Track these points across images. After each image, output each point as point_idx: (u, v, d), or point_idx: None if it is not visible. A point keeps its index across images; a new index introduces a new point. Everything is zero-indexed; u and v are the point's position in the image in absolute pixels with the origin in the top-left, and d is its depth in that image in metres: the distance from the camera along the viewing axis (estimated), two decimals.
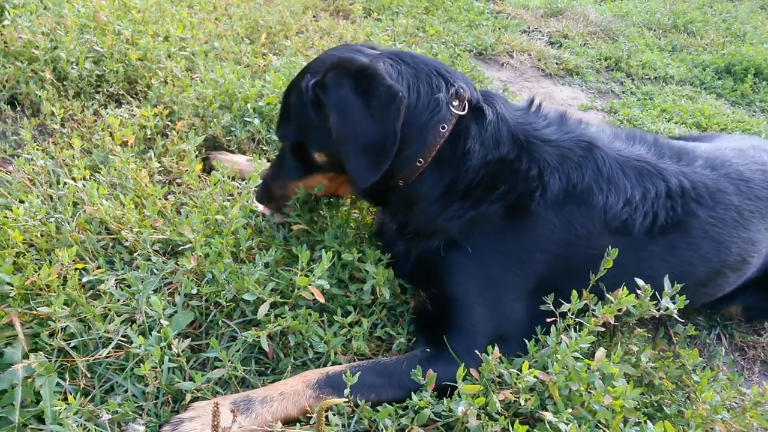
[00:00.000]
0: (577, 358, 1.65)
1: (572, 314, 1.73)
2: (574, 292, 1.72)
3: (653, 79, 5.51)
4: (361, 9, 5.18)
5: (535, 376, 1.59)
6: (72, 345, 1.76)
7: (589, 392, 1.64)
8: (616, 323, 1.94)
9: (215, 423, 1.15)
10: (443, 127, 1.88)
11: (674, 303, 1.75)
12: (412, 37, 4.97)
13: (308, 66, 2.08)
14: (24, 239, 1.96)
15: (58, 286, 1.81)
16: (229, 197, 2.44)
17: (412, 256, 2.10)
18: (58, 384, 1.67)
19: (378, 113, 1.79)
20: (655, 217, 2.00)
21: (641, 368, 1.86)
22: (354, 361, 1.94)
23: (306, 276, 1.87)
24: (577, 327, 1.76)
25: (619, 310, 1.71)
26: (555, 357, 1.66)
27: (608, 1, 8.11)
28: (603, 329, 1.78)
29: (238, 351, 1.84)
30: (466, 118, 1.92)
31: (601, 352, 1.63)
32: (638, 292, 1.75)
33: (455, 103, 1.91)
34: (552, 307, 1.80)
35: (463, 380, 1.65)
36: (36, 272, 1.81)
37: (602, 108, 4.72)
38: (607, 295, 1.72)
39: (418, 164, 1.91)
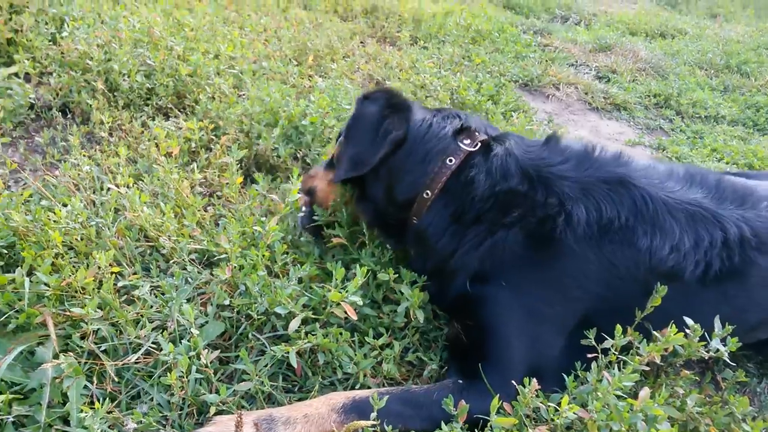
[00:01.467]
0: (619, 397, 1.56)
1: (616, 350, 1.64)
2: (618, 327, 1.64)
3: (704, 118, 5.37)
4: (408, 36, 5.22)
5: (574, 413, 1.50)
6: (102, 348, 1.75)
7: None
8: (661, 364, 1.85)
9: None
10: (450, 160, 1.98)
11: (725, 345, 1.65)
12: (458, 66, 4.96)
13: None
14: (64, 241, 1.98)
15: (93, 289, 1.81)
16: (268, 212, 2.44)
17: (446, 295, 2.05)
18: (85, 387, 1.65)
19: (387, 132, 2.05)
20: (707, 266, 1.87)
21: (686, 412, 1.75)
22: (383, 385, 1.88)
23: (339, 292, 1.83)
24: (620, 365, 1.67)
25: (665, 350, 1.63)
26: (595, 394, 1.57)
27: (659, 39, 8.01)
28: (647, 368, 1.68)
29: (266, 366, 1.81)
30: (476, 153, 1.99)
31: (645, 392, 1.53)
32: (687, 331, 1.65)
33: (466, 141, 2.01)
34: (594, 342, 1.72)
35: (496, 413, 1.57)
36: (72, 274, 1.82)
37: (650, 144, 4.61)
38: (655, 333, 1.63)
39: (425, 196, 2.00)
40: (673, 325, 1.60)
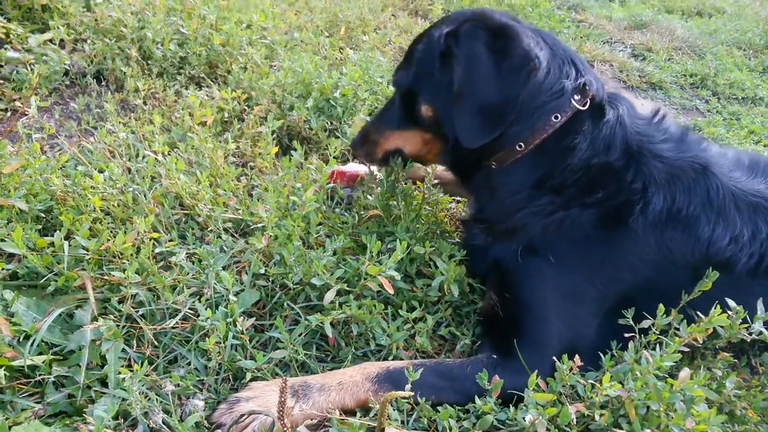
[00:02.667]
0: (657, 377, 1.54)
1: (656, 330, 1.62)
2: (661, 307, 1.61)
3: (741, 100, 5.22)
4: (440, 9, 5.13)
5: (614, 391, 1.49)
6: (140, 313, 1.77)
7: (668, 414, 1.52)
8: (699, 345, 1.82)
9: (282, 399, 1.12)
10: (556, 117, 1.79)
11: None
12: None
13: (444, 18, 2.01)
14: (101, 206, 2.00)
15: (131, 254, 1.83)
16: (303, 183, 2.44)
17: (489, 257, 2.00)
18: (123, 350, 1.68)
19: (507, 75, 1.73)
20: (761, 258, 1.85)
21: (724, 395, 1.72)
22: (416, 357, 1.88)
23: (375, 265, 1.82)
24: (658, 346, 1.65)
25: (705, 331, 1.60)
26: (634, 374, 1.56)
27: (696, 17, 7.79)
28: (686, 349, 1.65)
29: (300, 335, 1.82)
30: (585, 114, 1.81)
31: (686, 372, 1.51)
32: (729, 313, 1.62)
33: (577, 97, 1.80)
34: (632, 322, 1.70)
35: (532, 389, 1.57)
36: (110, 239, 1.84)
37: (686, 125, 4.50)
38: (698, 314, 1.61)
39: (519, 148, 1.83)
40: (717, 306, 1.57)
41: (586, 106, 1.81)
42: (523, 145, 1.83)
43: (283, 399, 1.14)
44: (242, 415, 1.50)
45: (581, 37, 5.65)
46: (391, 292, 1.85)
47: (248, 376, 1.66)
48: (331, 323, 1.80)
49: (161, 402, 1.56)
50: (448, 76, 1.83)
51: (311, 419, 1.58)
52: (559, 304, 1.82)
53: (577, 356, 1.55)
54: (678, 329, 1.66)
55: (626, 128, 1.85)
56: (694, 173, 1.87)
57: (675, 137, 1.94)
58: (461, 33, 1.81)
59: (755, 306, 1.71)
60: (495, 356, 1.81)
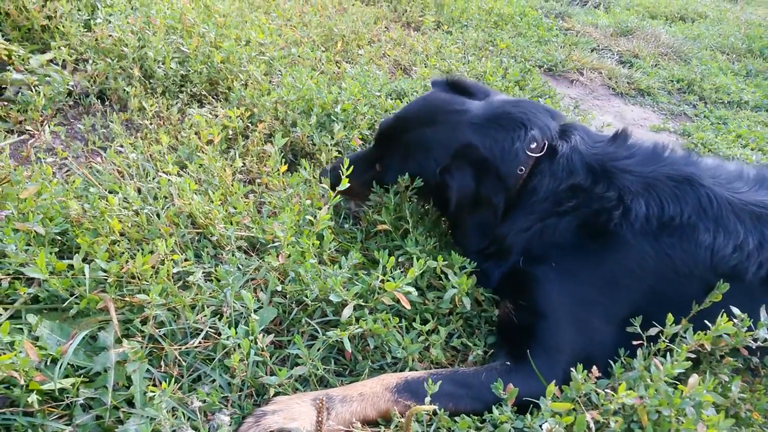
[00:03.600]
0: (668, 383, 1.60)
1: (666, 338, 1.69)
2: (669, 316, 1.68)
3: (727, 104, 5.35)
4: (431, 21, 5.21)
5: (630, 399, 1.55)
6: (162, 333, 1.80)
7: (679, 419, 1.59)
8: (704, 351, 1.88)
9: (319, 419, 1.16)
10: (521, 170, 2.08)
11: None
12: (482, 51, 4.97)
13: (434, 137, 2.23)
14: (119, 228, 2.03)
15: (151, 275, 1.87)
16: (309, 200, 2.48)
17: (496, 274, 2.15)
18: (147, 370, 1.72)
19: (488, 197, 2.10)
20: None
21: (730, 398, 1.79)
22: (430, 369, 1.94)
23: (390, 280, 1.88)
24: (665, 353, 1.72)
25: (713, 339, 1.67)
26: (645, 381, 1.62)
27: (679, 22, 7.95)
28: (694, 356, 1.72)
29: (318, 350, 1.86)
30: (543, 157, 2.08)
31: (695, 378, 1.58)
32: (734, 321, 1.69)
33: (533, 146, 2.08)
34: (639, 330, 1.76)
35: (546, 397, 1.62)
36: (129, 261, 1.87)
37: (675, 130, 4.61)
38: (706, 322, 1.67)
39: (502, 201, 2.12)
40: (724, 315, 1.64)
41: (543, 150, 2.08)
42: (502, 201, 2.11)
43: (320, 419, 1.19)
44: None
45: (569, 45, 5.76)
46: (408, 307, 1.91)
47: (271, 391, 1.71)
48: (348, 338, 1.85)
49: (189, 419, 1.60)
50: (445, 192, 2.15)
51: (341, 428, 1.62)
52: (570, 310, 1.90)
53: (594, 367, 1.61)
54: (685, 337, 1.73)
55: (583, 153, 2.07)
56: (675, 183, 1.97)
57: (642, 153, 2.07)
58: (453, 171, 2.12)
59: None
60: (508, 363, 1.87)
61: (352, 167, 2.02)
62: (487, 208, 2.11)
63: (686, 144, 4.39)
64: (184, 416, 1.59)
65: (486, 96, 2.35)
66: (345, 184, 2.01)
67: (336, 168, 2.45)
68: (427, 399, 1.65)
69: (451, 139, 2.18)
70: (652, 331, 1.75)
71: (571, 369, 1.69)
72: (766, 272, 1.89)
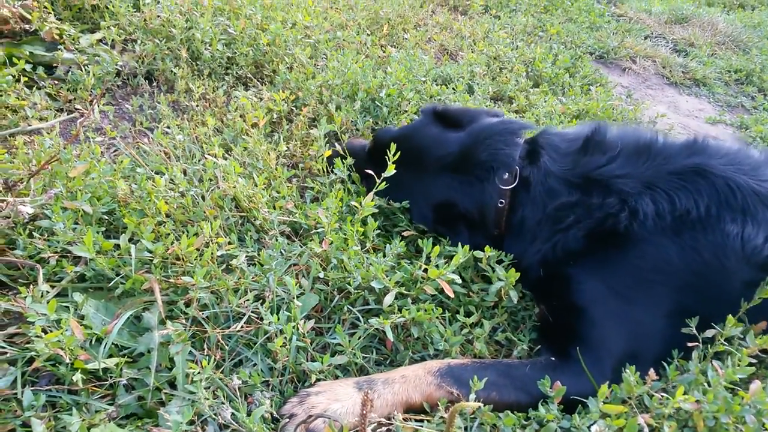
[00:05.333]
0: (726, 389, 1.52)
1: (723, 340, 1.60)
2: (730, 317, 1.60)
3: None
4: (479, 5, 5.10)
5: (688, 404, 1.48)
6: (205, 315, 1.80)
7: (737, 427, 1.51)
8: (764, 357, 1.80)
9: (364, 412, 1.13)
10: (501, 203, 2.08)
11: None
12: (531, 36, 4.84)
13: (417, 187, 2.27)
14: (166, 210, 2.04)
15: (195, 257, 1.86)
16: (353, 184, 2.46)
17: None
18: (190, 353, 1.72)
19: (480, 235, 2.19)
20: None
21: None
22: None
23: (435, 268, 1.83)
24: (719, 356, 1.64)
25: None
26: (702, 385, 1.54)
27: (738, 9, 7.62)
28: (754, 361, 1.63)
29: (359, 338, 1.84)
30: (518, 187, 2.06)
31: (757, 384, 1.50)
32: None
33: (505, 177, 2.06)
34: (695, 331, 1.68)
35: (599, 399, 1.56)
36: (174, 242, 1.87)
37: (731, 122, 4.42)
38: (765, 324, 1.59)
39: (496, 233, 2.13)
40: None
41: (517, 179, 2.06)
42: (497, 231, 2.13)
43: (365, 411, 1.16)
44: (310, 417, 1.53)
45: (622, 32, 5.58)
46: (452, 295, 1.87)
47: (313, 377, 1.69)
48: (390, 327, 1.82)
49: (230, 400, 1.59)
50: None
51: (380, 419, 1.60)
52: (607, 303, 1.84)
53: (651, 370, 1.54)
54: (743, 339, 1.64)
55: (556, 175, 2.03)
56: (679, 176, 1.87)
57: (628, 153, 1.98)
58: (439, 224, 2.25)
59: None
60: (553, 359, 1.82)
61: (398, 153, 1.97)
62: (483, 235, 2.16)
63: (743, 137, 4.20)
64: (224, 397, 1.59)
65: (472, 121, 2.30)
66: (391, 171, 1.96)
67: (349, 148, 2.57)
68: (471, 385, 1.61)
69: (431, 195, 2.23)
70: (709, 333, 1.67)
71: (621, 368, 1.63)
72: None
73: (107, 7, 3.38)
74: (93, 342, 1.67)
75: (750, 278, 1.74)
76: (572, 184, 1.99)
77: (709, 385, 1.53)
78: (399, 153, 1.99)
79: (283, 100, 2.90)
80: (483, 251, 2.02)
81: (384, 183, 2.06)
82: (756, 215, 1.81)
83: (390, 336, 1.79)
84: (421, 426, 1.58)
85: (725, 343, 1.64)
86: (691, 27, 6.25)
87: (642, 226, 1.83)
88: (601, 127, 2.08)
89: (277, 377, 1.72)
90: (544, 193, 2.02)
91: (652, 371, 1.53)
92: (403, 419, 1.64)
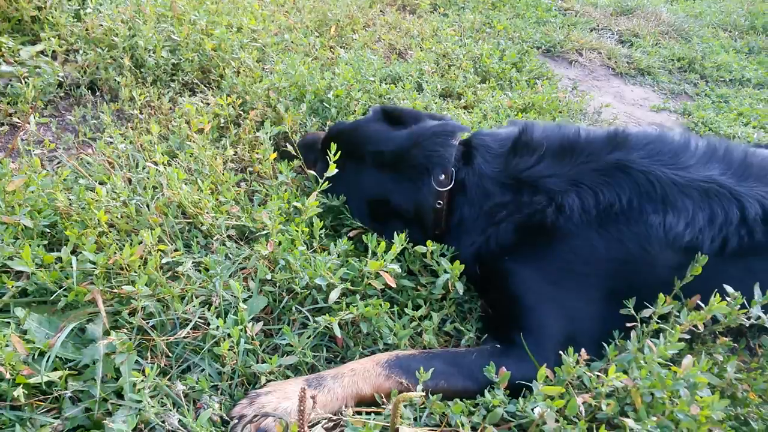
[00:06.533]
0: (661, 365, 1.58)
1: (657, 318, 1.66)
2: (661, 295, 1.66)
3: (728, 82, 5.29)
4: (427, 4, 5.15)
5: (620, 381, 1.53)
6: (151, 324, 1.79)
7: (673, 401, 1.57)
8: (699, 331, 1.86)
9: (301, 408, 1.15)
10: (439, 204, 2.12)
11: (766, 313, 1.66)
12: (479, 33, 4.90)
13: (352, 179, 2.29)
14: (106, 220, 2.02)
15: (139, 266, 1.85)
16: (303, 187, 2.47)
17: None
18: (137, 362, 1.71)
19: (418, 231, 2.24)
20: (724, 242, 1.88)
21: (726, 379, 1.77)
22: None
23: (375, 260, 1.86)
24: (658, 334, 1.69)
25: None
26: (639, 362, 1.60)
27: (680, 0, 7.84)
28: (688, 336, 1.70)
29: (309, 338, 1.85)
30: (455, 189, 2.11)
31: (689, 359, 1.55)
32: (728, 300, 1.67)
33: (442, 178, 2.11)
34: (633, 312, 1.74)
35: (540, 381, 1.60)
36: (117, 252, 1.86)
37: (675, 110, 4.55)
38: (696, 300, 1.65)
39: (437, 233, 2.17)
40: (717, 294, 1.61)
41: (453, 182, 2.10)
42: (438, 231, 2.16)
43: (302, 408, 1.17)
44: (256, 416, 1.54)
45: (568, 26, 5.69)
46: (394, 285, 1.91)
47: (263, 379, 1.70)
48: (339, 324, 1.84)
49: (177, 407, 1.59)
50: None
51: (330, 415, 1.61)
52: (541, 290, 1.91)
53: (583, 350, 1.59)
54: (678, 317, 1.71)
55: (490, 176, 2.09)
56: (602, 173, 1.94)
57: (554, 153, 2.04)
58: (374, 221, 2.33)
59: (735, 288, 1.76)
60: (498, 345, 1.87)
61: (342, 147, 2.00)
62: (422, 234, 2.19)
63: (686, 123, 4.33)
64: (171, 404, 1.58)
65: (415, 120, 2.37)
66: (332, 170, 1.98)
67: (303, 144, 2.62)
68: (418, 375, 1.64)
69: (365, 190, 2.28)
70: (646, 313, 1.73)
71: (563, 351, 1.67)
72: (719, 246, 1.87)
73: (48, 18, 3.32)
74: (36, 356, 1.65)
75: (677, 263, 1.81)
76: (504, 185, 2.05)
77: (645, 363, 1.58)
78: (344, 147, 2.01)
79: (230, 104, 2.89)
80: (425, 246, 2.05)
81: (326, 183, 2.08)
82: (676, 204, 1.89)
83: (338, 333, 1.80)
84: (369, 417, 1.60)
85: (659, 321, 1.69)
86: (635, 18, 6.41)
87: (568, 220, 1.91)
88: (528, 127, 2.14)
89: (227, 381, 1.72)
90: (479, 194, 2.09)
91: (584, 351, 1.58)
92: (356, 413, 1.66)
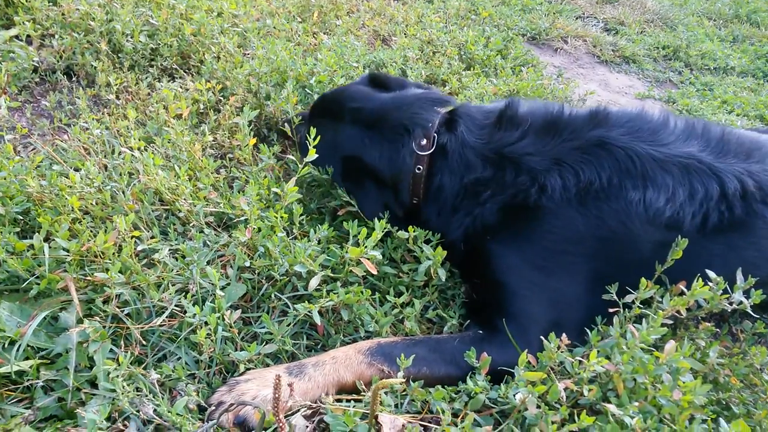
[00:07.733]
0: (644, 350, 1.57)
1: (639, 303, 1.65)
2: (643, 280, 1.64)
3: (713, 70, 5.29)
4: None
5: (601, 366, 1.51)
6: (126, 312, 1.75)
7: (655, 386, 1.56)
8: (681, 316, 1.85)
9: (276, 395, 1.12)
10: (419, 168, 2.08)
11: (748, 298, 1.66)
12: (464, 20, 4.87)
13: (328, 136, 2.22)
14: (80, 206, 1.97)
15: (113, 253, 1.81)
16: (283, 173, 2.42)
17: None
18: (111, 350, 1.67)
19: (391, 202, 2.22)
20: (705, 218, 1.88)
21: (708, 364, 1.76)
22: None
23: (356, 246, 1.83)
24: (641, 319, 1.68)
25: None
26: (621, 348, 1.58)
27: None
28: (670, 322, 1.69)
29: (288, 325, 1.82)
30: (435, 154, 2.08)
31: (671, 344, 1.54)
32: (710, 284, 1.65)
33: (423, 143, 2.07)
34: (615, 297, 1.73)
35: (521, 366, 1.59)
36: (91, 239, 1.81)
37: (660, 97, 4.55)
38: (681, 287, 1.64)
39: (415, 202, 2.14)
40: (699, 279, 1.60)
41: (434, 147, 2.07)
42: (417, 199, 2.13)
43: (277, 395, 1.14)
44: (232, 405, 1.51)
45: (554, 13, 5.66)
46: (375, 272, 1.88)
47: (241, 367, 1.67)
48: (320, 311, 1.81)
49: (151, 393, 1.55)
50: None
51: (309, 403, 1.59)
52: (524, 274, 1.89)
53: (564, 335, 1.57)
54: (661, 302, 1.69)
55: (473, 147, 2.06)
56: (583, 151, 1.93)
57: (537, 130, 2.02)
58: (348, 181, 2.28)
59: (713, 264, 1.75)
60: (481, 331, 1.85)
61: (319, 137, 1.96)
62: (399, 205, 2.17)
63: (671, 111, 4.33)
64: (148, 392, 1.55)
65: (401, 88, 2.35)
66: (312, 155, 1.95)
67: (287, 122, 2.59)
68: (400, 361, 1.61)
69: (340, 146, 2.23)
70: (629, 298, 1.71)
71: (547, 336, 1.66)
72: (700, 222, 1.88)
73: (22, 2, 3.24)
74: (6, 345, 1.61)
75: (659, 238, 1.81)
76: (486, 159, 2.02)
77: (627, 348, 1.57)
78: (326, 106, 1.96)
79: (210, 90, 2.83)
80: (405, 230, 2.03)
81: (307, 167, 2.04)
82: (656, 180, 1.88)
83: (318, 320, 1.77)
84: (349, 405, 1.57)
85: (641, 306, 1.68)
86: (621, 6, 6.40)
87: (550, 199, 1.89)
88: (514, 102, 2.12)
89: (204, 370, 1.69)
90: (461, 163, 2.05)
91: (564, 337, 1.56)
92: (336, 401, 1.63)
